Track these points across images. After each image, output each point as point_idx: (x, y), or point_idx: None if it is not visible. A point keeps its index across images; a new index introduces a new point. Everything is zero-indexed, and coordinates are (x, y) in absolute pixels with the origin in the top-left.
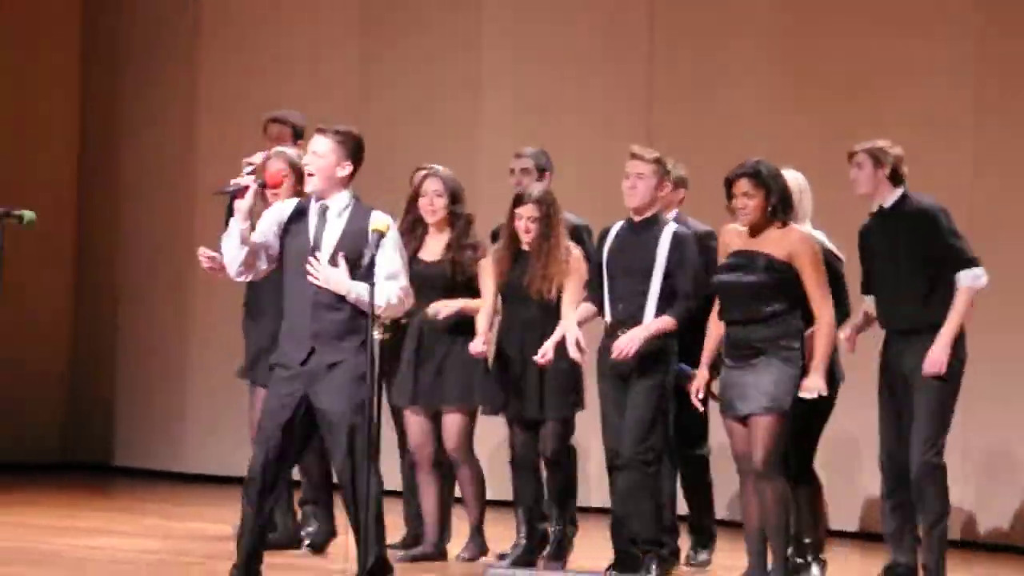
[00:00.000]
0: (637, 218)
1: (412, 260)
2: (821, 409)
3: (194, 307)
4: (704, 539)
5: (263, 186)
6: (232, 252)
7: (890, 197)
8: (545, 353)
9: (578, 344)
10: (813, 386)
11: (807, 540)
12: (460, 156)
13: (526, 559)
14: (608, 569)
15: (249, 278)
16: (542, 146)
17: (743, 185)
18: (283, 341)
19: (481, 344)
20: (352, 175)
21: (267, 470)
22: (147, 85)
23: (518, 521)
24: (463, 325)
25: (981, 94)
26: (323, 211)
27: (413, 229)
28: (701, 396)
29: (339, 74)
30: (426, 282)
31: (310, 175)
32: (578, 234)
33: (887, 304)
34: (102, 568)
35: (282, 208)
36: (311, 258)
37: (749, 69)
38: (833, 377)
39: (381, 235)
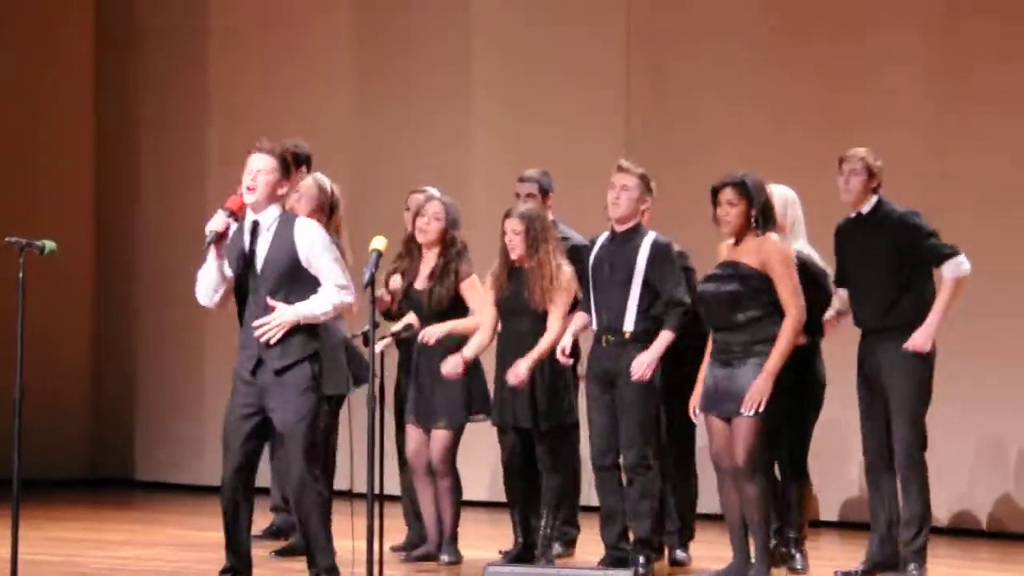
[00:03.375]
0: (619, 229)
1: (408, 288)
2: (811, 409)
3: (211, 328)
4: (685, 537)
5: (232, 215)
6: (211, 285)
7: (868, 204)
8: (517, 375)
9: (564, 351)
10: (754, 396)
11: (791, 534)
12: (454, 167)
13: (523, 557)
14: (600, 564)
15: (221, 307)
16: (535, 155)
17: (727, 193)
18: (238, 353)
19: (457, 366)
20: (284, 195)
21: (236, 477)
22: (159, 104)
23: (514, 522)
24: (457, 347)
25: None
26: (254, 227)
27: (410, 252)
28: (698, 411)
29: (336, 88)
30: (415, 309)
31: (251, 190)
32: (578, 254)
33: (860, 305)
34: None
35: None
36: (256, 322)
37: (729, 79)
38: (818, 380)
39: (380, 254)
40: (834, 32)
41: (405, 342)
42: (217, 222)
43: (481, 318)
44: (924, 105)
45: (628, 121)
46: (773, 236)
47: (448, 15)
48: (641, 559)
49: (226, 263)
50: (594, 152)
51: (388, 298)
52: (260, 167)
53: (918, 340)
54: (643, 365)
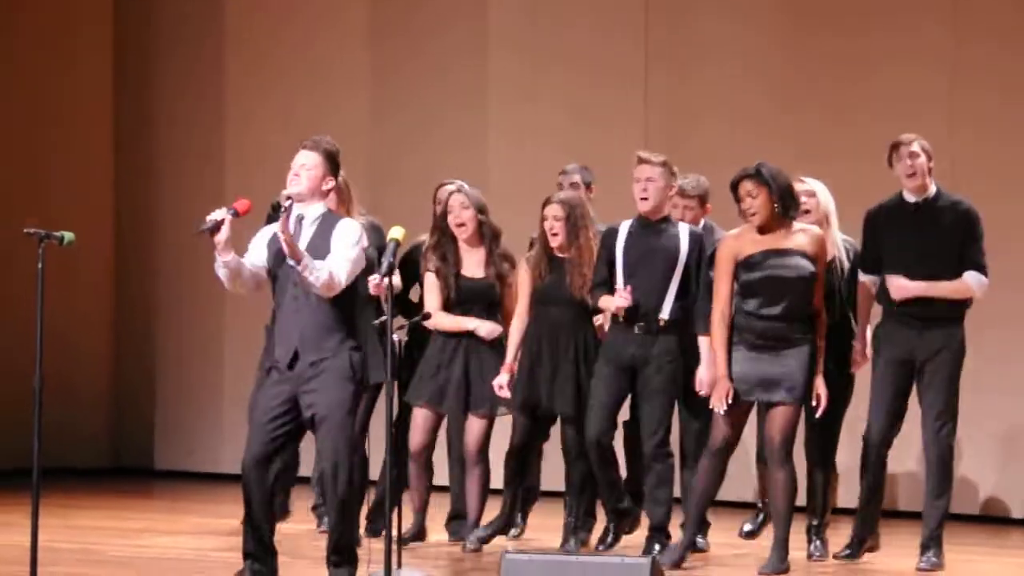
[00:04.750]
0: (652, 218)
1: (456, 277)
2: (842, 400)
3: (230, 317)
4: (704, 526)
5: (236, 216)
6: (226, 279)
7: (930, 190)
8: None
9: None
10: (824, 403)
11: (813, 522)
12: (470, 165)
13: (503, 532)
14: (604, 534)
15: (245, 293)
16: (552, 152)
17: (746, 186)
18: (274, 345)
19: (506, 385)
20: (329, 192)
21: (258, 466)
22: (177, 100)
23: (505, 503)
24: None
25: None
26: (299, 220)
27: (441, 244)
28: (730, 402)
29: (352, 86)
30: (472, 296)
31: (296, 176)
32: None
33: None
34: (148, 565)
35: (269, 228)
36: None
37: (750, 71)
38: (851, 373)
39: (398, 243)
40: (853, 23)
41: (421, 327)
42: (217, 213)
43: (519, 308)
44: (936, 92)
45: (647, 116)
46: (819, 230)
47: (464, 11)
48: (657, 546)
49: (232, 254)
50: (613, 147)
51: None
52: (304, 162)
53: (901, 283)
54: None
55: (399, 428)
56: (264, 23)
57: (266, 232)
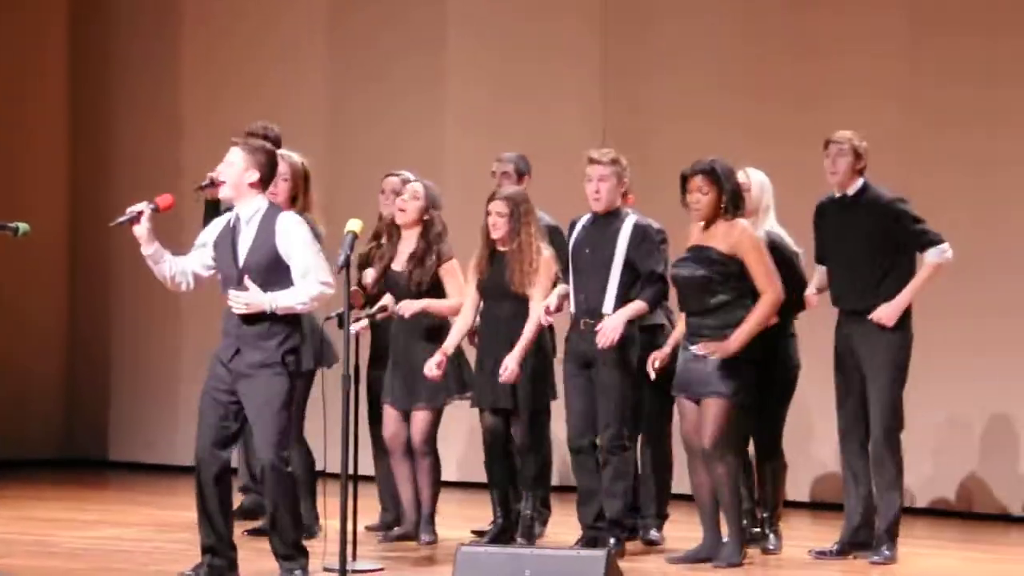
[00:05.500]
0: (603, 214)
1: (386, 269)
2: (783, 390)
3: (186, 308)
4: (660, 519)
5: (156, 210)
6: (159, 273)
7: (853, 186)
8: (510, 372)
9: (548, 308)
10: (712, 348)
11: (764, 514)
12: (426, 151)
13: (502, 538)
14: (576, 544)
15: (185, 289)
16: (509, 139)
17: (697, 181)
18: (222, 338)
19: (435, 367)
20: (261, 183)
21: (210, 455)
22: (134, 86)
23: (494, 503)
24: (436, 329)
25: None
26: (236, 220)
27: (389, 235)
28: (657, 366)
29: (310, 70)
30: (393, 289)
31: (223, 183)
32: (555, 235)
33: (841, 286)
34: (102, 557)
35: (218, 221)
36: (230, 291)
37: (707, 58)
38: (791, 361)
39: (355, 236)
40: (813, 6)
41: (379, 324)
42: (136, 207)
43: (459, 302)
44: (900, 78)
45: (604, 104)
46: (743, 222)
47: None
48: (612, 540)
49: (155, 248)
50: (570, 135)
51: (360, 300)
52: (228, 159)
53: (884, 313)
54: (613, 328)
55: (373, 421)
56: (222, 5)
57: (212, 229)
